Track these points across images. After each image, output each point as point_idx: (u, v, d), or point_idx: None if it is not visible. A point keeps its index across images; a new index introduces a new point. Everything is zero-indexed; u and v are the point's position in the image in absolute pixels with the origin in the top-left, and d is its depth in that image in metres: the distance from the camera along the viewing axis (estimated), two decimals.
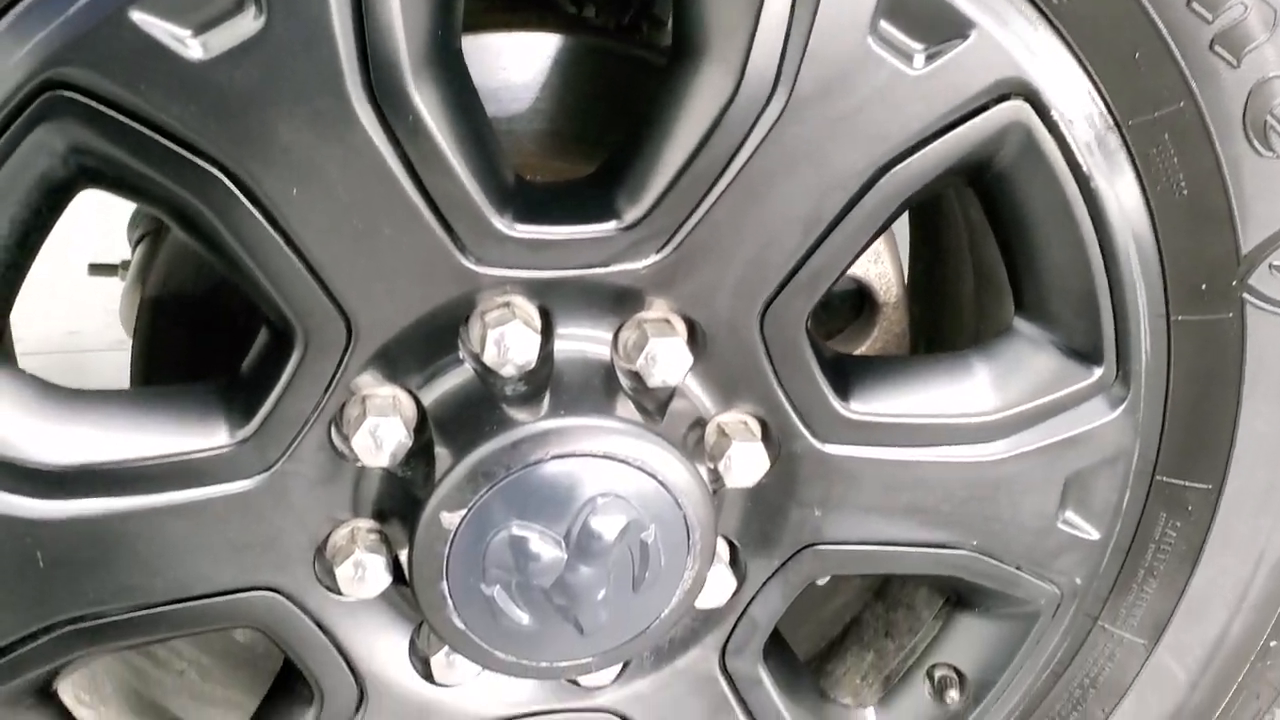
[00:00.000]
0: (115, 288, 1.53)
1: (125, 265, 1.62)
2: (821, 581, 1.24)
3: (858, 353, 1.10)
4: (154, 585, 0.84)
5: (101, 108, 0.69)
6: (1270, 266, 0.88)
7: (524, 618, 0.86)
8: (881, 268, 1.05)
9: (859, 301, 1.08)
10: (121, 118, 0.70)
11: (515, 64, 0.96)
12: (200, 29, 0.68)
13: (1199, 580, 1.02)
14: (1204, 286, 0.90)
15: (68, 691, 0.95)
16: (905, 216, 1.19)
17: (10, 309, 0.78)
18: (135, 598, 0.84)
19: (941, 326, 1.22)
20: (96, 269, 1.66)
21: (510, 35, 0.95)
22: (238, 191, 0.73)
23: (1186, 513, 1.00)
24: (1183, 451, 0.98)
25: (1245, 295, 0.89)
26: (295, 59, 0.70)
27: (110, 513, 0.80)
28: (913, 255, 1.22)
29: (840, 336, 1.10)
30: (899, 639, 1.16)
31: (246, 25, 0.69)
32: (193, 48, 0.69)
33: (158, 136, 0.71)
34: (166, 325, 0.97)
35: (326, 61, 0.70)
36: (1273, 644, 1.05)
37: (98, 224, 1.72)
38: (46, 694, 0.91)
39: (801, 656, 1.17)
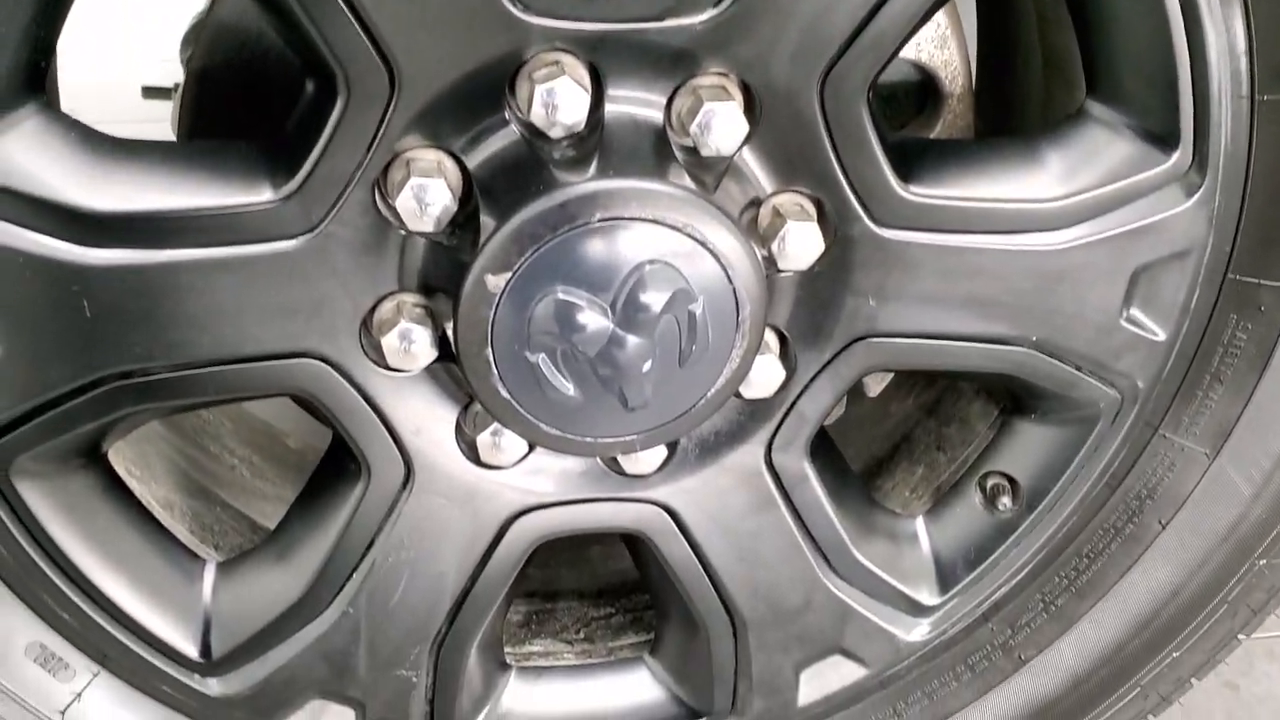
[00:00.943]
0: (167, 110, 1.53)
1: (178, 88, 1.61)
2: (873, 392, 1.22)
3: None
4: (200, 343, 0.84)
5: None
6: None
7: (568, 388, 0.85)
8: (948, 54, 1.00)
9: (923, 93, 1.03)
10: None
11: None
12: None
13: (1267, 386, 0.98)
14: None
15: (118, 462, 0.96)
16: (973, 7, 1.14)
17: (55, 43, 0.77)
18: (181, 355, 0.84)
19: (1009, 119, 1.17)
20: (150, 92, 1.65)
21: None
22: None
23: (1259, 313, 0.96)
24: (1259, 247, 0.94)
25: None
26: None
27: (155, 263, 0.80)
28: (980, 47, 1.17)
29: (908, 126, 1.06)
30: (951, 452, 1.14)
31: None
32: None
33: None
34: (210, 94, 0.96)
35: None
36: None
37: (152, 49, 1.71)
38: (96, 456, 0.92)
39: None
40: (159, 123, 1.53)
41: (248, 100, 0.94)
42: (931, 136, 1.06)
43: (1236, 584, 1.07)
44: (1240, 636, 1.15)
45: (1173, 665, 1.12)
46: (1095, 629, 1.11)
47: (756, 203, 0.88)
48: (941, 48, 1.00)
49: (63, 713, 0.96)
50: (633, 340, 0.83)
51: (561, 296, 0.81)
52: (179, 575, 0.97)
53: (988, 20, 1.17)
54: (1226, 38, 0.84)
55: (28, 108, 0.76)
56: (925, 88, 1.03)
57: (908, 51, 1.03)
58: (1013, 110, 1.17)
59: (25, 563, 0.90)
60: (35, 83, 0.77)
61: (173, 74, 1.62)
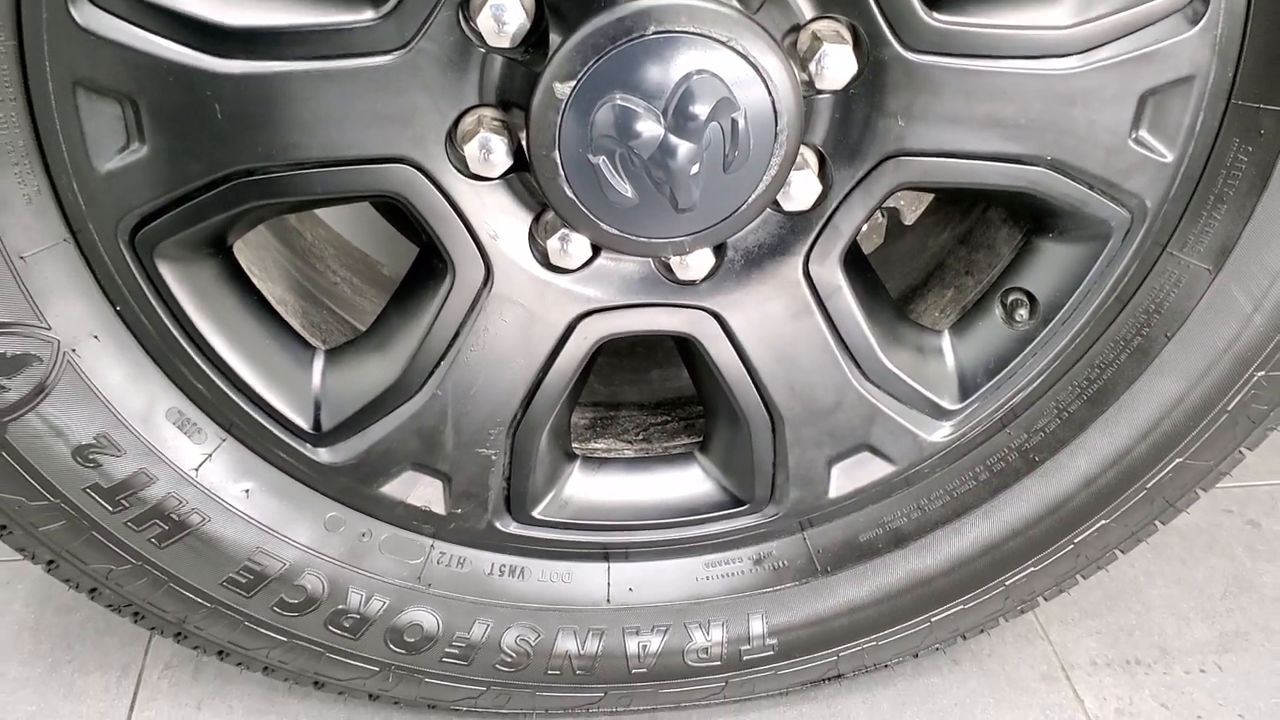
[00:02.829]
0: None
1: None
2: (909, 220, 1.33)
3: None
4: (310, 144, 0.98)
5: None
6: None
7: (626, 189, 0.98)
8: None
9: None
10: None
11: None
12: None
13: (1266, 206, 1.07)
14: None
15: (241, 261, 1.12)
16: None
17: None
18: (295, 154, 0.98)
19: None
20: None
21: None
22: None
23: (1259, 137, 1.04)
24: (1260, 74, 1.02)
25: None
26: None
27: (274, 72, 0.93)
28: None
29: None
30: (978, 275, 1.25)
31: None
32: None
33: None
34: None
35: None
36: None
37: None
38: (223, 248, 1.07)
39: None
40: None
41: None
42: None
43: (1236, 394, 1.17)
44: (1244, 449, 1.26)
45: (1177, 470, 1.23)
46: (1104, 435, 1.22)
47: (797, 28, 0.99)
48: None
49: (196, 469, 1.13)
50: (682, 145, 0.95)
51: (620, 103, 0.93)
52: (293, 359, 1.13)
53: None
54: None
55: None
56: None
57: None
58: None
59: (166, 337, 1.07)
60: None
61: None
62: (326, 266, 1.35)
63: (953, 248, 1.31)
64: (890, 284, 1.33)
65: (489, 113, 1.00)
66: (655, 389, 1.43)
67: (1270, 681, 1.47)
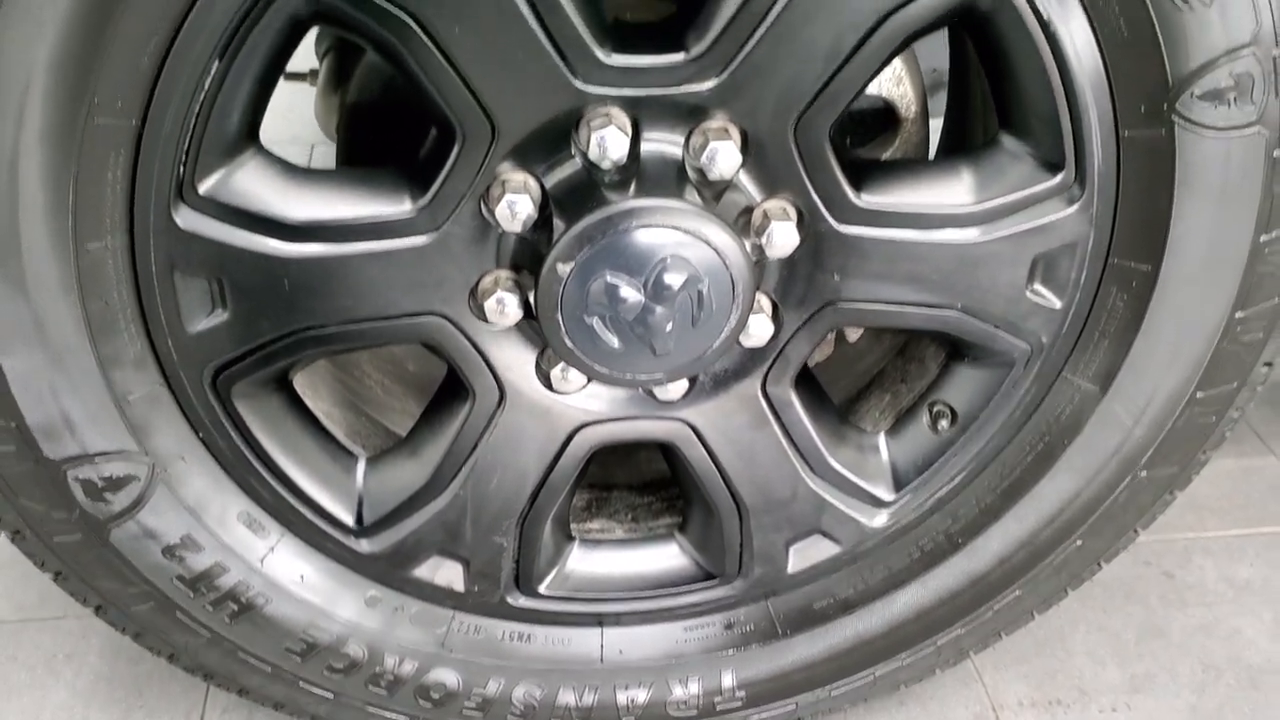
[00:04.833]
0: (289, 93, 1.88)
1: (314, 73, 1.97)
2: (853, 339, 1.57)
3: (884, 157, 1.38)
4: (360, 306, 1.21)
5: None
6: (1192, 95, 1.13)
7: (614, 341, 1.21)
8: (903, 89, 1.33)
9: (885, 116, 1.36)
10: None
11: None
12: None
13: (1141, 342, 1.31)
14: (1143, 109, 1.15)
15: (295, 381, 1.35)
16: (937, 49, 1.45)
17: (264, 112, 1.14)
18: (348, 314, 1.21)
19: (961, 137, 1.49)
20: (289, 76, 2.01)
21: None
22: (419, 30, 1.06)
23: (1132, 287, 1.28)
24: (1129, 238, 1.25)
25: (1174, 117, 1.14)
26: None
27: (333, 254, 1.17)
28: (950, 83, 1.48)
29: (870, 144, 1.38)
30: (910, 384, 1.49)
31: None
32: None
33: None
34: (362, 124, 1.32)
35: None
36: (1199, 394, 1.34)
37: None
38: (284, 382, 1.31)
39: (836, 402, 1.51)
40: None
41: (390, 129, 1.30)
42: (891, 149, 1.38)
43: (1123, 489, 1.41)
44: (1137, 529, 1.50)
45: (1078, 549, 1.47)
46: (1016, 521, 1.45)
47: (750, 209, 1.22)
48: (897, 84, 1.32)
49: (261, 560, 1.37)
50: (659, 309, 1.19)
51: (609, 279, 1.17)
52: (340, 466, 1.37)
53: (955, 66, 1.48)
54: (1093, 93, 1.15)
55: (250, 150, 1.14)
56: (886, 112, 1.35)
57: (871, 88, 1.34)
58: (966, 136, 1.48)
59: (239, 455, 1.30)
60: (255, 133, 1.14)
61: (309, 61, 1.98)
62: (363, 372, 1.59)
63: (891, 358, 1.55)
64: (836, 388, 1.57)
65: (503, 273, 1.24)
66: (642, 470, 1.66)
67: (1173, 719, 1.71)
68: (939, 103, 1.53)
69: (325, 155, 1.79)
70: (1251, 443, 2.24)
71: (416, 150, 1.25)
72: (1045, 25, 1.11)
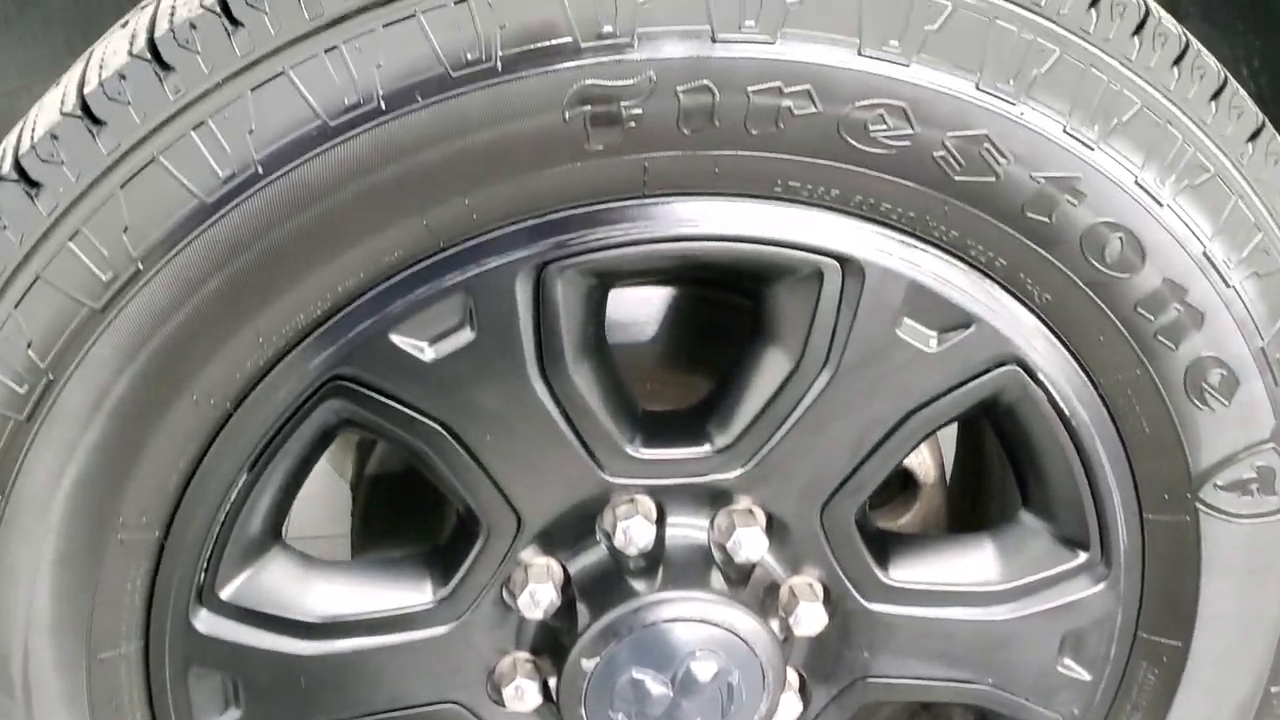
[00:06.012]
0: None
1: None
2: None
3: (902, 521, 1.39)
4: (375, 699, 1.16)
5: (367, 391, 1.03)
6: (1215, 485, 1.14)
7: None
8: (921, 457, 1.34)
9: (904, 481, 1.37)
10: (378, 396, 1.03)
11: (642, 306, 1.28)
12: (433, 341, 1.02)
13: (1174, 715, 1.28)
14: (1166, 496, 1.16)
15: None
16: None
17: (289, 510, 1.13)
18: (362, 709, 1.16)
19: (977, 509, 1.50)
20: None
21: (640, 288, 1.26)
22: (450, 437, 1.06)
23: (1163, 662, 1.25)
24: (1158, 615, 1.23)
25: (1198, 504, 1.15)
26: (495, 356, 1.03)
27: (352, 650, 1.14)
28: (958, 452, 1.50)
29: (889, 507, 1.39)
30: None
31: (464, 336, 1.02)
32: (427, 353, 1.02)
33: (399, 406, 1.04)
34: (381, 497, 1.31)
35: (516, 357, 1.03)
36: None
37: None
38: None
39: None
40: None
41: (407, 512, 1.29)
42: (910, 514, 1.38)
43: None
44: None
45: None
46: None
47: (776, 586, 1.20)
48: (916, 453, 1.33)
49: None
50: (687, 704, 1.15)
51: (635, 674, 1.13)
52: None
53: (966, 439, 1.51)
54: (1117, 481, 1.16)
55: (273, 550, 1.12)
56: (905, 478, 1.36)
57: None
58: (980, 503, 1.49)
59: None
60: (279, 532, 1.12)
61: None
62: None
63: (915, 711, 1.50)
64: None
65: (522, 656, 1.20)
66: None
67: None
68: None
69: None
70: None
71: (437, 525, 1.24)
72: (1067, 420, 1.13)
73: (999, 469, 1.40)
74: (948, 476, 1.42)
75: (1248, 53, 1.54)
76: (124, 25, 0.96)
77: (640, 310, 1.27)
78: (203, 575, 1.07)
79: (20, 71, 1.57)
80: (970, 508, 1.51)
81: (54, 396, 0.96)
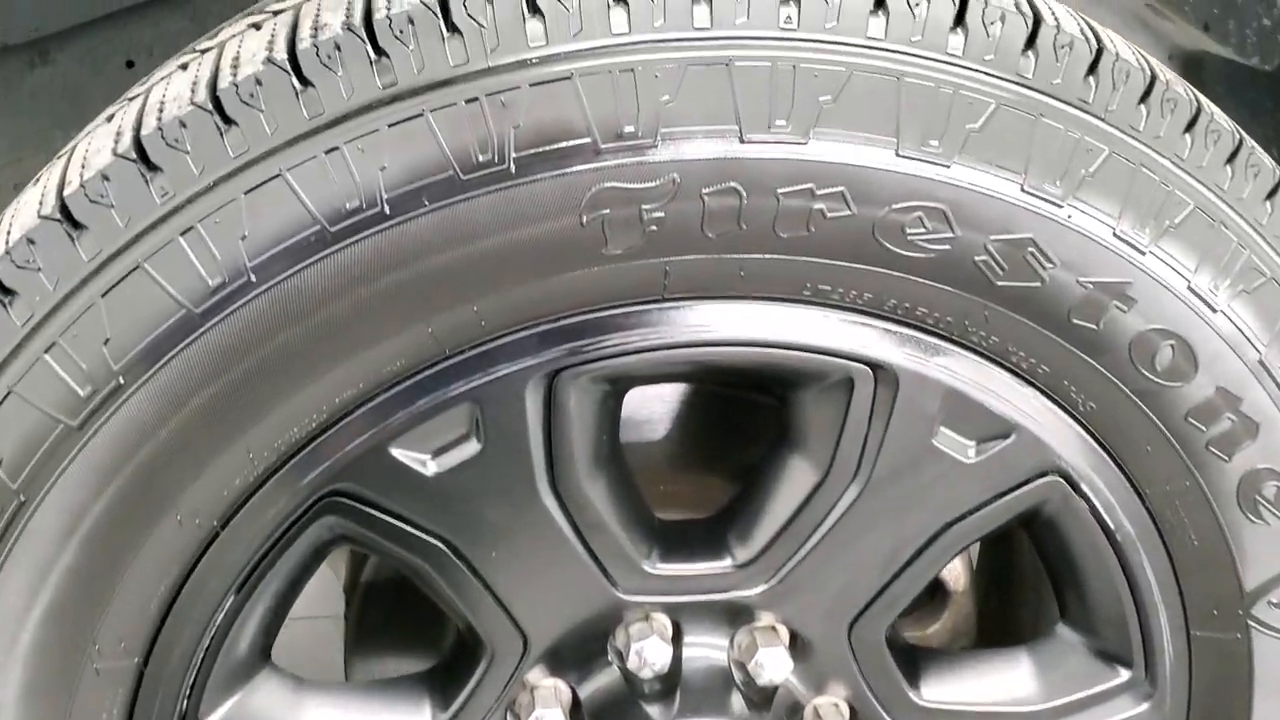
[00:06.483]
0: None
1: None
2: None
3: (930, 631, 1.31)
4: None
5: (364, 507, 0.96)
6: (1269, 602, 1.07)
7: None
8: (952, 564, 1.27)
9: (934, 588, 1.29)
10: (376, 512, 0.96)
11: (656, 402, 1.21)
12: (436, 453, 0.95)
13: None
14: (1215, 612, 1.09)
15: None
16: None
17: (279, 631, 1.05)
18: None
19: (1008, 616, 1.43)
20: None
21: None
22: (452, 554, 0.99)
23: None
24: None
25: (1250, 622, 1.08)
26: (503, 468, 0.96)
27: None
28: (986, 555, 1.42)
29: (916, 615, 1.31)
30: None
31: (470, 448, 0.95)
32: (430, 466, 0.95)
33: (398, 522, 0.97)
34: (377, 606, 1.23)
35: (525, 469, 0.96)
36: None
37: None
38: None
39: None
40: None
41: (405, 624, 1.21)
42: (939, 622, 1.31)
43: None
44: None
45: None
46: None
47: (800, 706, 1.13)
48: None
49: None
50: None
51: None
52: None
53: (994, 545, 1.43)
54: (1162, 595, 1.09)
55: (261, 674, 1.04)
56: (935, 585, 1.29)
57: None
58: (1012, 611, 1.42)
59: None
60: (268, 654, 1.04)
61: None
62: None
63: None
64: None
65: None
66: None
67: None
68: None
69: None
70: None
71: (438, 637, 1.16)
72: (1111, 532, 1.06)
73: (1033, 574, 1.32)
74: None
75: (1278, 133, 1.49)
76: (109, 119, 0.89)
77: (654, 407, 1.21)
78: (185, 703, 0.99)
79: (10, 146, 1.52)
80: (1000, 615, 1.43)
81: (25, 519, 0.89)
